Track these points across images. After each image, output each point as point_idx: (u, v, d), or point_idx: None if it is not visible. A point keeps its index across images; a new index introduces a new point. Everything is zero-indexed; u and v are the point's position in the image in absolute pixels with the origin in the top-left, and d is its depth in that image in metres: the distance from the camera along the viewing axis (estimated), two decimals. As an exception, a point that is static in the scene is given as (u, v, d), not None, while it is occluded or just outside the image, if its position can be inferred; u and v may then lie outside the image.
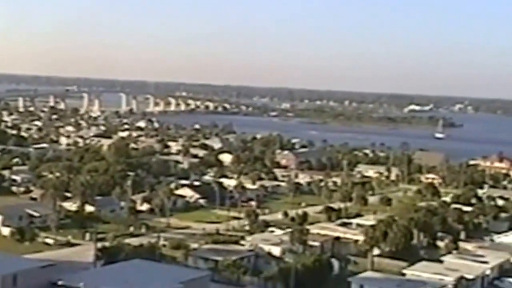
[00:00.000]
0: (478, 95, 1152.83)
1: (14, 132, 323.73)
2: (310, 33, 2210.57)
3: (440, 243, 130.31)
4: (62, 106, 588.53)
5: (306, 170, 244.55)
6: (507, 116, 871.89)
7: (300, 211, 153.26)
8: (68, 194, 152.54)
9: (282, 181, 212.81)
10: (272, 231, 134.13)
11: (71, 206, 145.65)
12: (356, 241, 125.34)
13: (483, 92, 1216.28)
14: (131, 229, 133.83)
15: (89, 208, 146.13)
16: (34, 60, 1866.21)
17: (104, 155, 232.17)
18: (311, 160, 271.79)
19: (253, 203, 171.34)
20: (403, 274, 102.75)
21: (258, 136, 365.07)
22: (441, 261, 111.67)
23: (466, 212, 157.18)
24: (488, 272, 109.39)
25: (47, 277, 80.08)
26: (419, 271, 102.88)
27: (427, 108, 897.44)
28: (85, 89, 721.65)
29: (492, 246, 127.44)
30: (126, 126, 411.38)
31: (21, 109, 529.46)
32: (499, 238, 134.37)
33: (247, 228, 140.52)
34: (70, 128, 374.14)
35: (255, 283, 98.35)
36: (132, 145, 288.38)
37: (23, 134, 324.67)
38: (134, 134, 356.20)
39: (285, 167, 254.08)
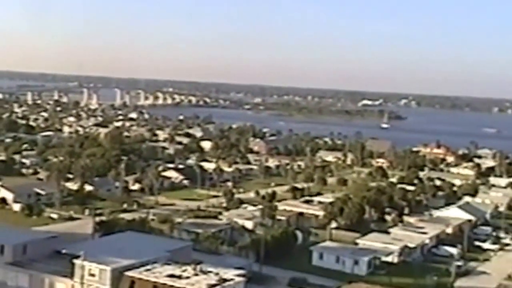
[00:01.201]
0: (420, 92, 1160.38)
1: (24, 122, 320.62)
2: (279, 37, 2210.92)
3: (388, 217, 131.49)
4: (65, 99, 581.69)
5: (274, 155, 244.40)
6: (444, 110, 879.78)
7: (269, 190, 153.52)
8: (70, 176, 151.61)
9: (254, 164, 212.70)
10: (245, 208, 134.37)
11: (72, 185, 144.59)
12: (317, 216, 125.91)
13: (424, 89, 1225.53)
14: (125, 205, 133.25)
15: (88, 188, 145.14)
16: (41, 60, 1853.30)
17: (101, 142, 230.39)
18: (279, 147, 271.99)
19: (229, 183, 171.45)
20: (356, 244, 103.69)
21: (234, 126, 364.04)
22: (388, 232, 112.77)
23: (410, 191, 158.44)
24: (427, 241, 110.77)
25: (52, 247, 79.62)
26: (369, 241, 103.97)
27: (377, 102, 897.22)
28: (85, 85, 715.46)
29: (430, 219, 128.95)
30: (120, 117, 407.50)
31: (30, 102, 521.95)
32: (437, 213, 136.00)
33: (224, 205, 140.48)
34: (72, 119, 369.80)
35: (231, 252, 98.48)
36: (125, 133, 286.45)
37: (32, 123, 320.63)
38: (127, 124, 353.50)
39: (257, 152, 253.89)
